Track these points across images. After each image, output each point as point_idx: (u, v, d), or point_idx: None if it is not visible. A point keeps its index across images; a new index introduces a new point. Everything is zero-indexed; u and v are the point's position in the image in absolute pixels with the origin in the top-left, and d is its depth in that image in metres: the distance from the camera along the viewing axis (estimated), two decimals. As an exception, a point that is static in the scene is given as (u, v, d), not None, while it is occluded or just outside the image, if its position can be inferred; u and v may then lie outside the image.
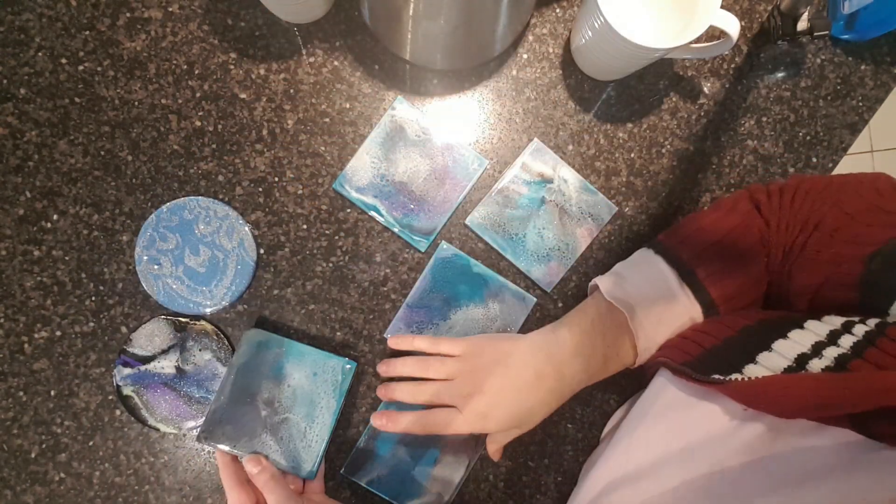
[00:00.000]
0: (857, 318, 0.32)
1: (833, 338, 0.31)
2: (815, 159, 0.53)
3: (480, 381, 0.43)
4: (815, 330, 0.32)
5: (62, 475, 0.49)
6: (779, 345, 0.33)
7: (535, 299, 0.51)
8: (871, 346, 0.29)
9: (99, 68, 0.50)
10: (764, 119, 0.52)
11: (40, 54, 0.49)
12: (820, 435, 0.29)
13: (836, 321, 0.32)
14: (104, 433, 0.49)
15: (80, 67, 0.50)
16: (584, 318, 0.44)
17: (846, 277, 0.35)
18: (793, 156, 0.53)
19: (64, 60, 0.49)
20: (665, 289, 0.42)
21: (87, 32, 0.50)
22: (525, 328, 0.51)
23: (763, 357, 0.33)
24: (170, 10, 0.50)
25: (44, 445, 0.49)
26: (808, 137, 0.53)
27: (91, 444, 0.49)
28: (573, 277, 0.51)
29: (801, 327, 0.33)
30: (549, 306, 0.51)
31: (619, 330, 0.43)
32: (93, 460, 0.49)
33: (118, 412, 0.49)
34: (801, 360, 0.31)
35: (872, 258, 0.34)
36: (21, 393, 0.49)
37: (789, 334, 0.33)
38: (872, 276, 0.34)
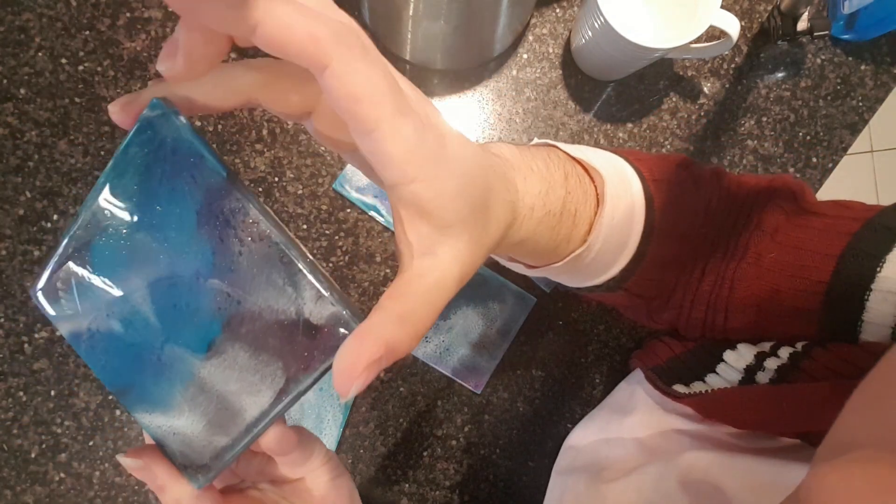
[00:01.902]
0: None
1: (775, 348, 0.32)
2: (815, 159, 0.53)
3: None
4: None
5: (62, 475, 0.49)
6: (728, 355, 0.34)
7: (535, 299, 0.50)
8: (807, 357, 0.30)
9: (99, 68, 0.50)
10: (764, 119, 0.52)
11: (40, 54, 0.49)
12: (775, 438, 0.30)
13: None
14: (104, 433, 0.49)
15: (80, 67, 0.50)
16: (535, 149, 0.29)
17: (810, 286, 0.32)
18: (793, 156, 0.53)
19: (64, 60, 0.49)
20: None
21: (87, 32, 0.50)
22: (525, 328, 0.51)
23: (721, 368, 0.34)
24: (170, 10, 0.50)
25: (44, 445, 0.49)
26: (808, 137, 0.53)
27: (91, 444, 0.49)
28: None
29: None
30: (549, 306, 0.51)
31: (579, 177, 0.29)
32: (93, 460, 0.49)
33: (118, 412, 0.49)
34: (749, 371, 0.32)
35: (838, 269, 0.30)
36: (21, 393, 0.49)
37: (738, 346, 0.34)
38: (839, 290, 0.30)
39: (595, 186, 0.30)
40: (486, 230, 0.22)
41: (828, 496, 0.13)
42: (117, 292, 0.21)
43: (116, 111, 0.20)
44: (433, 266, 0.21)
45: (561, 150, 0.30)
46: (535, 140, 0.32)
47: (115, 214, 0.21)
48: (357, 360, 0.18)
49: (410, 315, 0.20)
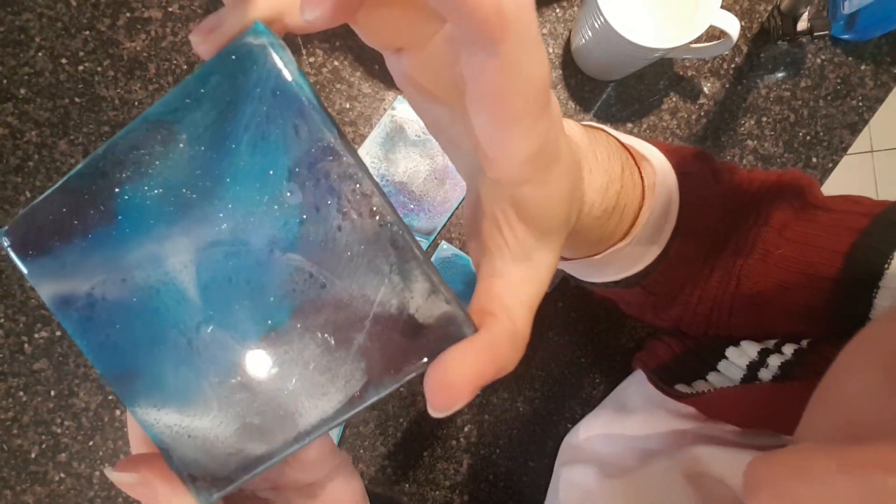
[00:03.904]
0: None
1: (779, 345, 0.32)
2: (815, 159, 0.53)
3: None
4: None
5: (62, 475, 0.49)
6: (731, 352, 0.34)
7: (535, 299, 0.50)
8: (812, 353, 0.30)
9: (99, 68, 0.50)
10: (764, 119, 0.52)
11: (40, 54, 0.49)
12: (778, 436, 0.30)
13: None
14: (104, 433, 0.49)
15: (80, 67, 0.50)
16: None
17: (817, 282, 0.32)
18: (793, 156, 0.53)
19: (64, 60, 0.49)
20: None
21: (87, 32, 0.50)
22: (525, 328, 0.51)
23: (723, 365, 0.34)
24: (170, 10, 0.50)
25: (44, 445, 0.49)
26: (808, 137, 0.53)
27: (91, 444, 0.49)
28: (573, 278, 0.51)
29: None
30: (549, 306, 0.51)
31: (631, 170, 0.29)
32: (93, 460, 0.49)
33: (118, 412, 0.49)
34: (752, 367, 0.32)
35: (848, 262, 0.30)
36: (21, 393, 0.49)
37: (741, 343, 0.34)
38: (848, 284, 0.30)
39: (642, 177, 0.28)
40: (565, 234, 0.20)
41: (755, 480, 0.14)
42: (147, 252, 0.16)
43: (201, 41, 0.16)
44: (532, 276, 0.18)
45: (611, 134, 0.28)
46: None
47: (168, 154, 0.16)
48: (467, 376, 0.15)
49: (519, 335, 0.17)
